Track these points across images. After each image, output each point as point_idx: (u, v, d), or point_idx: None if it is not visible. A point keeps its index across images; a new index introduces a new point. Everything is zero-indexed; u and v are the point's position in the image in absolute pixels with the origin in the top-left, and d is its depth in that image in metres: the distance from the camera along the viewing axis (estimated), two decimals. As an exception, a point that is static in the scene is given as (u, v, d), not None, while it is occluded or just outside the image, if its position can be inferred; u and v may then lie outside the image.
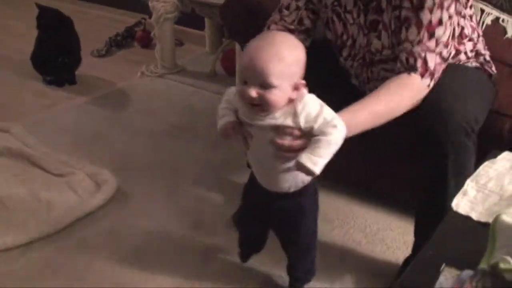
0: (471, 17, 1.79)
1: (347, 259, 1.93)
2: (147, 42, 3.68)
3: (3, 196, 2.18)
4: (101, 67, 3.42)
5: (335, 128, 1.33)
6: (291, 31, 1.75)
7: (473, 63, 1.80)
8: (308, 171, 1.33)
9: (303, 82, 1.36)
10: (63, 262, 1.91)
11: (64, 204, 2.14)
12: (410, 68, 1.58)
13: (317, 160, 1.31)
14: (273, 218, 1.61)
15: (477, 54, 1.82)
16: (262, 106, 1.33)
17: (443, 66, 1.62)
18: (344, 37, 1.78)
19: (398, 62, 1.61)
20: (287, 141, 1.36)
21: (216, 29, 3.52)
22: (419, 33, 1.58)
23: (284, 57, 1.31)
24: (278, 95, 1.32)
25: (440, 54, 1.59)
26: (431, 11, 1.56)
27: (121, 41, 3.72)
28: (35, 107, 2.93)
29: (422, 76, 1.58)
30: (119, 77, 3.27)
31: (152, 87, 3.17)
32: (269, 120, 1.36)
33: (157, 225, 2.05)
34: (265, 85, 1.30)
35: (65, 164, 2.37)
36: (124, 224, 2.07)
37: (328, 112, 1.34)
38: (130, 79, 3.26)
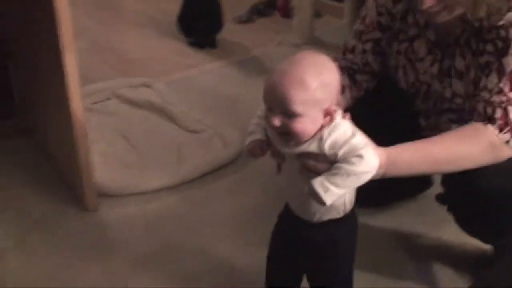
0: None
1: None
2: (287, 12, 3.75)
3: (138, 145, 2.38)
4: (241, 33, 3.54)
5: (360, 158, 1.18)
6: (355, 71, 1.69)
7: None
8: (317, 198, 1.19)
9: (335, 108, 1.21)
10: (188, 210, 2.07)
11: (193, 159, 2.29)
12: (488, 119, 1.40)
13: (330, 187, 1.17)
14: (302, 249, 1.39)
15: None
16: (290, 135, 1.20)
17: None
18: (417, 84, 1.66)
19: (474, 114, 1.44)
20: (312, 161, 1.22)
21: (357, 0, 3.50)
22: (500, 81, 1.41)
23: (308, 83, 1.15)
24: (305, 123, 1.18)
25: None
26: None
27: (263, 10, 3.82)
28: (176, 66, 3.11)
29: (501, 130, 1.39)
30: (257, 45, 3.38)
31: (287, 56, 3.23)
32: (294, 148, 1.23)
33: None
34: (289, 114, 1.17)
35: (198, 122, 2.52)
36: (243, 185, 2.19)
37: (358, 140, 1.20)
38: (267, 47, 3.35)
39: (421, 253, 1.89)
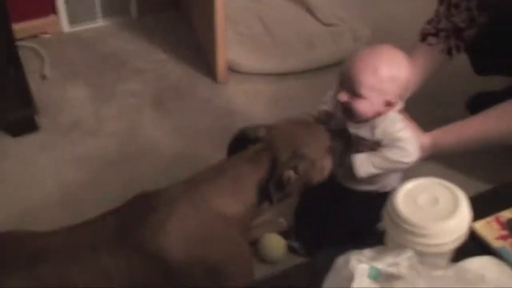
0: None
1: None
2: None
3: (274, 30, 2.50)
4: None
5: (401, 149, 1.35)
6: (462, 29, 1.69)
7: None
8: (353, 168, 1.37)
9: (397, 100, 1.35)
10: (310, 95, 2.17)
11: (321, 48, 2.38)
12: None
13: (366, 164, 1.36)
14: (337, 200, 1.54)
15: None
16: (350, 112, 1.36)
17: None
18: None
19: None
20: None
21: None
22: None
23: (380, 71, 1.32)
24: (366, 106, 1.34)
25: None
26: None
27: None
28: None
29: None
30: None
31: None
32: (350, 128, 1.40)
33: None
34: (356, 93, 1.33)
35: (335, 16, 2.58)
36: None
37: (404, 134, 1.37)
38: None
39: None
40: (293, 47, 2.41)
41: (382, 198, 1.41)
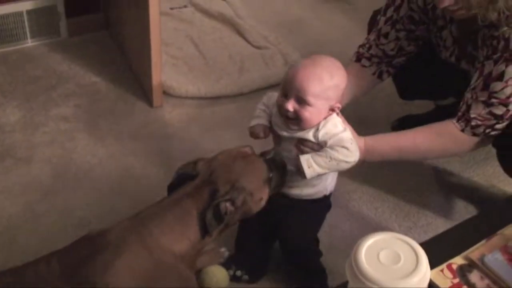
0: None
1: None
2: None
3: (206, 52, 2.55)
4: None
5: (344, 149, 1.41)
6: (392, 57, 1.80)
7: None
8: (300, 171, 1.41)
9: (339, 105, 1.43)
10: (241, 119, 2.23)
11: (254, 72, 2.44)
12: (456, 112, 1.63)
13: (313, 164, 1.40)
14: (279, 219, 1.59)
15: None
16: (296, 120, 1.41)
17: (493, 122, 1.58)
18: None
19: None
20: (305, 145, 1.44)
21: None
22: (477, 79, 1.57)
23: (325, 80, 1.38)
24: (312, 113, 1.39)
25: (491, 108, 1.55)
26: (495, 62, 1.52)
27: None
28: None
29: (458, 120, 1.60)
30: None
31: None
32: (294, 133, 1.44)
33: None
34: (302, 101, 1.39)
35: (265, 39, 2.65)
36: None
37: (346, 135, 1.42)
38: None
39: (452, 189, 2.02)
40: (226, 70, 2.46)
41: (321, 204, 1.56)
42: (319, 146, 1.42)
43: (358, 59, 1.86)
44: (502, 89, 1.53)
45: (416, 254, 0.91)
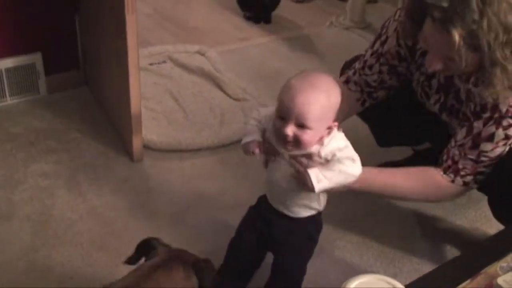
0: None
1: None
2: (345, -5, 3.85)
3: (185, 106, 2.57)
4: (296, 12, 3.68)
5: (353, 161, 1.40)
6: (374, 89, 1.83)
7: None
8: (309, 184, 1.38)
9: (336, 123, 1.42)
10: (223, 171, 2.24)
11: (234, 124, 2.46)
12: (440, 163, 1.64)
13: (323, 179, 1.37)
14: (267, 237, 1.59)
15: None
16: (295, 143, 1.38)
17: (481, 170, 1.59)
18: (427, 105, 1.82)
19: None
20: (305, 159, 1.41)
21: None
22: (465, 137, 1.58)
23: (324, 102, 1.36)
24: (312, 136, 1.38)
25: (481, 164, 1.58)
26: (485, 124, 1.53)
27: (321, -10, 3.93)
28: (231, 38, 3.29)
29: (445, 171, 1.62)
30: (310, 24, 3.52)
31: (335, 38, 3.37)
32: (295, 152, 1.42)
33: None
34: (302, 126, 1.36)
35: (243, 91, 2.69)
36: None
37: (351, 150, 1.42)
38: (318, 27, 3.48)
39: (436, 234, 2.03)
40: (206, 123, 2.47)
41: (314, 221, 1.55)
42: (326, 161, 1.40)
43: (346, 81, 1.86)
44: (492, 149, 1.55)
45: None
